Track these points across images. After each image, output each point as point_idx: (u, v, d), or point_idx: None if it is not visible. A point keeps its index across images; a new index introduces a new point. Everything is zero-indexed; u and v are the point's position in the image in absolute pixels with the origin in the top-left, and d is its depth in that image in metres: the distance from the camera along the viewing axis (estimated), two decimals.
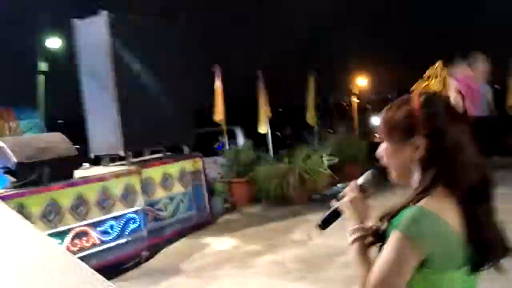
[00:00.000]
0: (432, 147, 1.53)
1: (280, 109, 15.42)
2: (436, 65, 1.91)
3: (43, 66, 19.96)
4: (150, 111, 7.65)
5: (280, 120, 12.39)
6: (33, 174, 5.80)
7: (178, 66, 8.24)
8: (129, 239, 6.69)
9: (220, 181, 9.30)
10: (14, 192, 5.62)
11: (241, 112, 12.43)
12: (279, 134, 13.28)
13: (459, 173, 1.51)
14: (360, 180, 1.75)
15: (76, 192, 6.18)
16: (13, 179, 5.78)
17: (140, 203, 7.00)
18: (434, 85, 1.83)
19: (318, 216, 1.87)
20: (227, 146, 10.40)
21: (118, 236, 6.57)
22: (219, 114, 10.35)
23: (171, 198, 7.78)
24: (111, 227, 6.49)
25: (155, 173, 7.58)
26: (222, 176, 9.46)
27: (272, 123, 11.69)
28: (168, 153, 8.47)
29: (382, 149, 1.67)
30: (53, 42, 20.67)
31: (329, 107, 17.85)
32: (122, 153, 7.42)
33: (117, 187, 6.73)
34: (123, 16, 7.57)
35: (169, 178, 7.82)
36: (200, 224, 8.20)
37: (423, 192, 1.51)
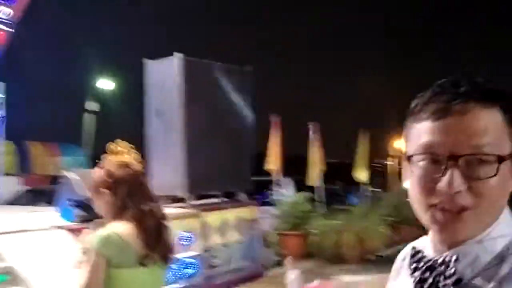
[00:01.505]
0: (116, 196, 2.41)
1: (332, 163, 15.29)
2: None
3: (92, 105, 20.49)
4: (213, 155, 7.59)
5: (330, 174, 12.20)
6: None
7: (240, 111, 8.23)
8: (186, 284, 6.48)
9: (273, 232, 9.07)
10: (81, 226, 5.53)
11: (292, 163, 12.31)
12: (337, 187, 13.04)
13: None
14: None
15: None
16: (80, 213, 5.71)
17: (198, 248, 6.83)
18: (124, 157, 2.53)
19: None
20: (278, 197, 10.23)
21: (175, 281, 6.37)
22: (272, 163, 10.24)
23: (226, 246, 7.58)
24: (169, 269, 6.29)
25: (213, 218, 7.43)
26: (275, 227, 9.24)
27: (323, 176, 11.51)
28: (225, 199, 8.35)
29: None
30: (104, 83, 21.30)
31: (378, 165, 17.60)
32: (184, 195, 7.32)
33: (177, 229, 6.58)
34: (195, 59, 7.66)
35: (226, 225, 7.66)
36: (251, 276, 7.94)
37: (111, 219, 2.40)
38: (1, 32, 11.11)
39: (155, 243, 2.39)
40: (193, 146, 7.36)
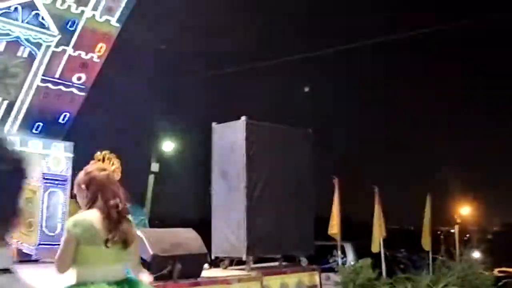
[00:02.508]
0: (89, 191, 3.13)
1: (393, 229, 14.85)
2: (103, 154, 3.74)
3: (154, 166, 21.03)
4: (275, 217, 7.57)
5: (392, 240, 11.83)
6: (165, 268, 5.76)
7: (303, 174, 8.23)
8: None
9: None
10: None
11: (353, 228, 12.04)
12: (400, 254, 12.60)
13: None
14: None
15: None
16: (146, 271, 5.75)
17: None
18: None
19: None
20: (339, 262, 9.95)
21: None
22: (334, 228, 10.05)
23: None
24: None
25: (273, 282, 7.30)
26: None
27: (384, 243, 11.15)
28: (284, 263, 8.21)
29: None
30: (166, 146, 21.93)
31: (443, 232, 16.92)
32: (244, 257, 7.27)
33: None
34: (259, 123, 7.81)
35: None
36: None
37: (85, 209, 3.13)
38: (75, 96, 11.75)
39: (116, 229, 3.06)
40: (255, 208, 7.38)
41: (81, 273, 3.04)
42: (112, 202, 3.13)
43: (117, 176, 3.53)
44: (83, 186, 3.23)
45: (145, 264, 5.76)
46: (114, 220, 3.09)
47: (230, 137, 7.69)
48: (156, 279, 5.72)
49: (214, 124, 7.98)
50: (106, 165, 3.56)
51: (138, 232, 6.00)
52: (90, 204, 3.16)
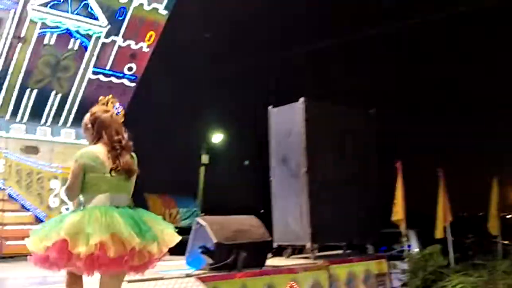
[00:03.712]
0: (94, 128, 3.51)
1: (463, 214, 14.15)
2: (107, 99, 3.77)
3: (204, 158, 20.95)
4: (338, 203, 7.17)
5: (460, 226, 11.19)
6: (229, 257, 5.48)
7: (366, 157, 7.79)
8: None
9: None
10: (211, 274, 5.31)
11: (416, 214, 11.47)
12: (467, 240, 11.97)
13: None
14: None
15: (268, 282, 5.72)
16: (210, 260, 5.50)
17: None
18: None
19: None
20: (407, 250, 9.45)
21: None
22: (398, 214, 9.52)
23: None
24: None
25: (340, 271, 6.91)
26: (405, 283, 8.46)
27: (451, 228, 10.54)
28: (348, 251, 7.82)
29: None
30: (216, 137, 21.79)
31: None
32: (308, 245, 6.91)
33: (305, 282, 6.17)
34: (319, 103, 7.41)
35: (353, 279, 7.09)
36: None
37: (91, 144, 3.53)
38: (126, 87, 11.66)
39: (119, 160, 3.37)
40: (317, 193, 7.01)
41: (89, 200, 3.34)
42: (115, 138, 3.45)
43: (121, 118, 3.76)
44: (89, 125, 3.56)
45: (208, 252, 5.51)
46: (118, 153, 3.41)
47: (288, 120, 7.33)
48: (220, 268, 5.46)
49: (270, 108, 7.64)
50: (109, 107, 3.69)
51: (200, 220, 5.78)
52: (96, 140, 3.50)
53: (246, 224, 5.95)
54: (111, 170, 3.35)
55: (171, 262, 6.93)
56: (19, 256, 8.51)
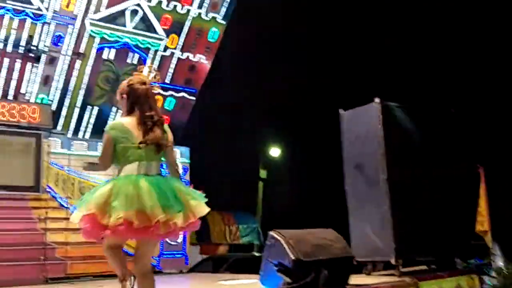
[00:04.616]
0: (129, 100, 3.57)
1: None
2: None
3: (263, 173, 20.51)
4: (424, 213, 6.46)
5: None
6: (309, 275, 4.92)
7: (450, 160, 7.06)
8: None
9: None
10: None
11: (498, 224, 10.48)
12: None
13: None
14: None
15: None
16: (287, 279, 4.95)
17: None
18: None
19: None
20: (495, 264, 8.54)
21: None
22: (483, 224, 8.65)
23: None
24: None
25: None
26: None
27: None
28: (433, 266, 7.07)
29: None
30: (274, 151, 21.32)
31: None
32: (392, 261, 6.24)
33: None
34: (396, 104, 6.77)
35: None
36: None
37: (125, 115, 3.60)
38: (185, 101, 11.40)
39: (149, 134, 3.41)
40: (400, 202, 6.34)
41: (121, 169, 3.44)
42: (148, 113, 3.46)
43: (152, 88, 3.63)
44: (124, 96, 3.57)
45: (285, 270, 4.97)
46: (148, 127, 3.43)
47: (363, 124, 6.73)
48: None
49: (341, 111, 7.07)
50: (145, 78, 3.61)
51: (274, 234, 5.26)
52: (128, 112, 3.53)
53: (325, 238, 5.37)
54: (140, 143, 3.41)
55: (245, 281, 6.47)
56: (84, 276, 8.31)
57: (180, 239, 10.28)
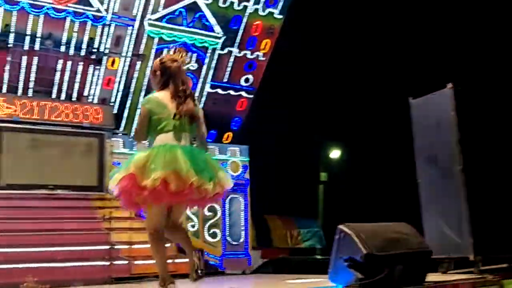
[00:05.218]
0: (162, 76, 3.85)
1: None
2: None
3: (323, 176, 20.12)
4: (504, 205, 5.97)
5: None
6: (383, 271, 4.57)
7: None
8: None
9: None
10: None
11: None
12: None
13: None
14: None
15: None
16: (359, 275, 4.62)
17: None
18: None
19: None
20: None
21: None
22: None
23: None
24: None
25: None
26: None
27: None
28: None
29: None
30: (334, 153, 20.86)
31: None
32: (471, 257, 5.79)
33: None
34: (472, 89, 6.31)
35: None
36: None
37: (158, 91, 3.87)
38: (243, 99, 11.26)
39: (183, 106, 3.68)
40: (478, 194, 5.88)
41: (155, 139, 3.68)
42: (181, 87, 3.74)
43: (184, 65, 3.94)
44: (158, 72, 3.85)
45: (356, 265, 4.65)
46: (182, 100, 3.70)
47: (435, 112, 6.32)
48: (372, 284, 4.56)
49: (411, 100, 6.68)
50: (176, 57, 3.89)
51: (343, 227, 4.95)
52: (162, 87, 3.79)
53: (399, 232, 4.99)
54: (175, 115, 3.66)
55: (313, 280, 6.19)
56: (149, 276, 8.26)
57: (241, 239, 10.14)
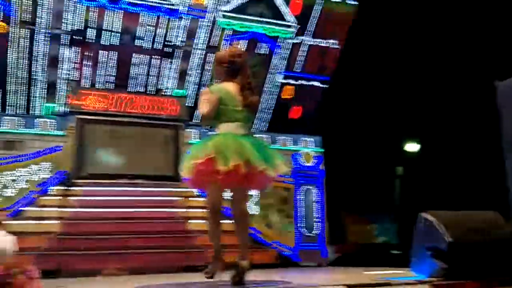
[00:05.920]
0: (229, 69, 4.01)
1: None
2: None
3: (399, 170, 19.51)
4: None
5: None
6: (469, 260, 4.30)
7: None
8: None
9: None
10: (448, 282, 4.19)
11: None
12: None
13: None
14: None
15: None
16: (443, 265, 4.37)
17: None
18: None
19: None
20: None
21: None
22: None
23: None
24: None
25: None
26: None
27: None
28: None
29: None
30: (410, 146, 20.16)
31: None
32: None
33: None
34: None
35: None
36: None
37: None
38: (317, 90, 11.06)
39: (248, 97, 3.94)
40: None
41: (222, 127, 3.89)
42: (248, 80, 3.95)
43: (247, 60, 4.12)
44: (226, 64, 4.00)
45: (439, 254, 4.41)
46: (248, 92, 3.92)
47: None
48: (458, 274, 4.30)
49: (497, 82, 6.24)
50: (241, 51, 4.14)
51: (426, 215, 4.71)
52: (228, 78, 3.98)
53: (487, 221, 4.68)
54: (243, 105, 3.91)
55: (392, 271, 5.96)
56: None
57: (316, 231, 9.98)
